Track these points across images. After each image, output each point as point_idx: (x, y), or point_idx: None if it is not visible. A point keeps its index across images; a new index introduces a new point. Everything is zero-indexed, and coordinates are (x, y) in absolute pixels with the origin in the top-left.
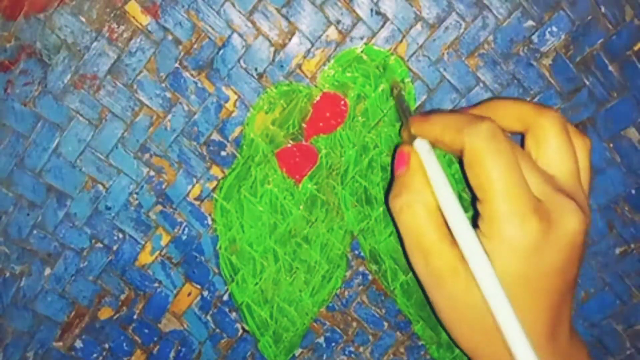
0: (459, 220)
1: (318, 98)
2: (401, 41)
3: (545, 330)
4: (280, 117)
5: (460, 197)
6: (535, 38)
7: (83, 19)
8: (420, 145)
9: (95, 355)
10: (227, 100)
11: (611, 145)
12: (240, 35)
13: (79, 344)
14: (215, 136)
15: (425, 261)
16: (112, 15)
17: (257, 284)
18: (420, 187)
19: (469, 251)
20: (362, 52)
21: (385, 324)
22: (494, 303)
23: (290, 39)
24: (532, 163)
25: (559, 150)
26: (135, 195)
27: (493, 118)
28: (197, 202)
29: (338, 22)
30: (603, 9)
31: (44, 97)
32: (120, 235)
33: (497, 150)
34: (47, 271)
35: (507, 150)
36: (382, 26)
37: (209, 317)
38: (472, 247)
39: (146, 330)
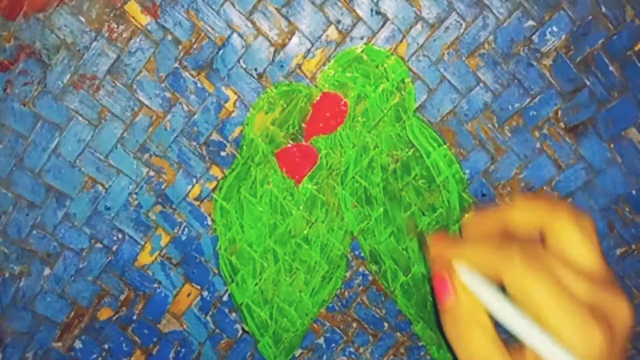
0: (535, 335)
1: (318, 98)
2: (401, 41)
3: None
4: (280, 117)
5: (460, 197)
6: (535, 38)
7: (82, 19)
8: (463, 271)
9: (94, 355)
10: (226, 100)
11: (612, 145)
12: (240, 35)
13: (78, 344)
14: (215, 136)
15: None
16: (111, 15)
17: (257, 284)
18: (474, 312)
19: (545, 349)
20: (362, 52)
21: (386, 324)
22: None
23: (290, 39)
24: (569, 268)
25: (580, 244)
26: (134, 196)
27: (509, 223)
28: (196, 203)
29: (338, 22)
30: (603, 9)
31: (44, 97)
32: (120, 236)
33: (534, 274)
34: (47, 271)
35: (544, 270)
36: (382, 26)
37: (208, 318)
38: (546, 345)
39: (146, 331)
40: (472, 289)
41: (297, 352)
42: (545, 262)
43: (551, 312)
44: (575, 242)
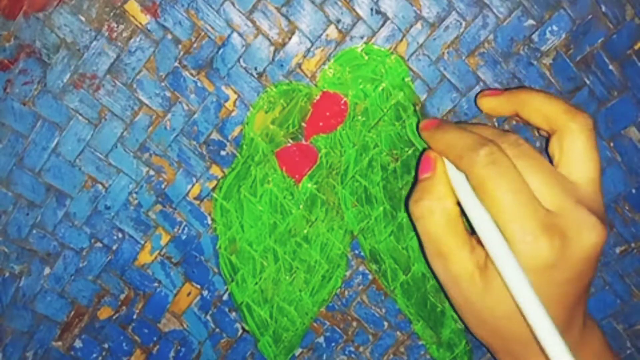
0: (484, 224)
1: (318, 97)
2: (401, 40)
3: (559, 329)
4: (280, 116)
5: None
6: (535, 37)
7: (82, 18)
8: (450, 164)
9: (94, 355)
10: (226, 100)
11: (612, 144)
12: (240, 35)
13: (78, 343)
14: (215, 135)
15: (444, 266)
16: (111, 14)
17: (257, 283)
18: (443, 194)
19: (497, 254)
20: (362, 51)
21: (385, 323)
22: (522, 298)
23: (290, 38)
24: (550, 173)
25: (583, 157)
26: (134, 195)
27: (520, 111)
28: (196, 202)
29: (338, 21)
30: (603, 8)
31: (44, 96)
32: (120, 235)
33: (498, 176)
34: (47, 271)
35: (509, 173)
36: (382, 25)
37: (208, 317)
38: (500, 250)
39: (146, 330)
40: (450, 175)
41: (297, 351)
42: (522, 161)
43: (505, 216)
44: (576, 151)
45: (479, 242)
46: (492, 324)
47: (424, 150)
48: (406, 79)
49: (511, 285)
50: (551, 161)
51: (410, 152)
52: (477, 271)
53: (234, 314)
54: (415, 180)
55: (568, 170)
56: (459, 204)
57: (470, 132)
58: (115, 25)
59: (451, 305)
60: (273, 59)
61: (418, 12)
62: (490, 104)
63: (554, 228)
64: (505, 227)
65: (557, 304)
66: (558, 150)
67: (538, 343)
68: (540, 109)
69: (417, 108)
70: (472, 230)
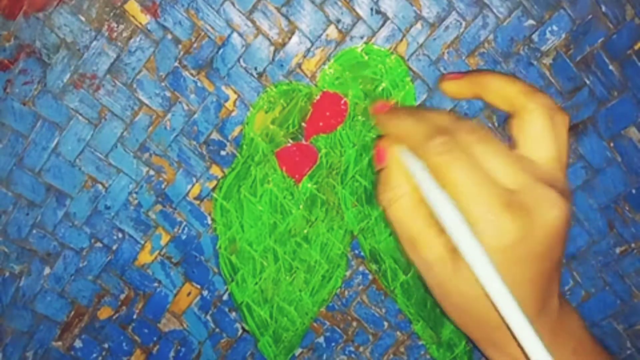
0: (444, 207)
1: (318, 97)
2: (401, 40)
3: (532, 312)
4: (280, 116)
5: None
6: (535, 37)
7: (82, 18)
8: (402, 150)
9: (94, 355)
10: (226, 100)
11: (612, 144)
12: (240, 35)
13: (78, 343)
14: (215, 135)
15: (415, 251)
16: (111, 14)
17: (257, 283)
18: (401, 181)
19: (458, 236)
20: (362, 51)
21: (386, 323)
22: (487, 282)
23: (290, 38)
24: (507, 153)
25: (542, 136)
26: (134, 195)
27: (481, 93)
28: (196, 202)
29: (338, 21)
30: (603, 8)
31: (44, 96)
32: (120, 235)
33: (454, 162)
34: (47, 271)
35: (465, 158)
36: (382, 25)
37: (208, 317)
38: (460, 232)
39: (146, 330)
40: (406, 167)
41: (297, 351)
42: (478, 146)
43: (463, 196)
44: (535, 130)
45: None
46: (465, 308)
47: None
48: (406, 79)
49: (474, 267)
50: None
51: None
52: (447, 254)
53: (234, 314)
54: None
55: (528, 150)
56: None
57: (424, 121)
58: (116, 25)
59: (430, 293)
60: (273, 59)
61: (418, 12)
62: (452, 88)
63: (515, 205)
64: (467, 209)
65: (528, 283)
66: (517, 130)
67: (507, 327)
68: (500, 90)
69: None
70: None
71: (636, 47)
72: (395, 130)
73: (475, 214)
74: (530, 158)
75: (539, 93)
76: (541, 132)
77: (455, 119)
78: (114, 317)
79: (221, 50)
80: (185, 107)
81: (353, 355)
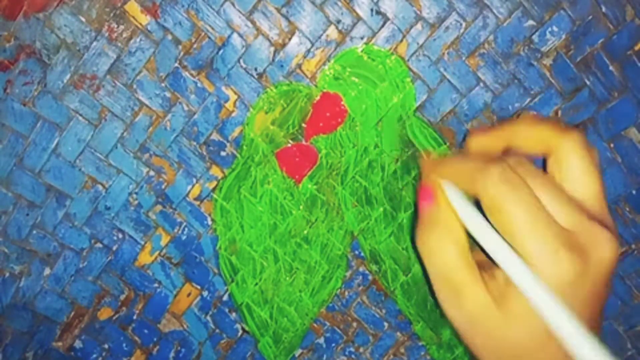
0: (506, 255)
1: (318, 98)
2: (401, 41)
3: None
4: (280, 117)
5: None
6: (535, 38)
7: (82, 19)
8: (447, 187)
9: (94, 355)
10: (227, 100)
11: (612, 145)
12: (240, 35)
13: (78, 344)
14: (215, 136)
15: (459, 303)
16: (111, 14)
17: (257, 284)
18: (450, 225)
19: (520, 276)
20: (362, 51)
21: (386, 324)
22: (555, 317)
23: (290, 39)
24: (559, 191)
25: (583, 173)
26: (134, 195)
27: (512, 142)
28: (196, 202)
29: (338, 21)
30: (604, 9)
31: (44, 96)
32: (120, 236)
33: (512, 193)
34: (47, 271)
35: (523, 190)
36: (383, 26)
37: (208, 318)
38: (523, 271)
39: (146, 331)
40: (453, 205)
41: (297, 352)
42: (529, 180)
43: (523, 233)
44: (575, 168)
45: (487, 274)
46: (517, 355)
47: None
48: (406, 80)
49: (539, 306)
50: None
51: (410, 152)
52: (494, 303)
53: (234, 314)
54: (416, 213)
55: (571, 188)
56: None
57: (472, 158)
58: (116, 26)
59: (472, 355)
60: (273, 60)
61: (418, 12)
62: (480, 143)
63: (575, 244)
64: (524, 245)
65: (585, 323)
66: (557, 170)
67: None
68: (531, 135)
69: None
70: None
71: (636, 48)
72: (448, 170)
73: (534, 251)
74: (575, 196)
75: (571, 130)
76: (582, 169)
77: (501, 156)
78: (114, 318)
79: (221, 51)
80: (186, 108)
81: (353, 356)
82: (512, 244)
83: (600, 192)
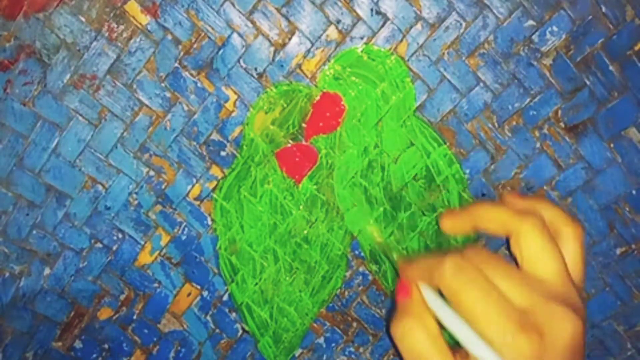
0: (469, 338)
1: (318, 98)
2: (401, 41)
3: None
4: (280, 117)
5: (460, 197)
6: (535, 38)
7: (82, 19)
8: (424, 287)
9: (94, 355)
10: (227, 100)
11: (612, 145)
12: (240, 35)
13: (78, 344)
14: (215, 136)
15: None
16: (111, 14)
17: (257, 284)
18: (421, 313)
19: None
20: (362, 51)
21: (386, 324)
22: None
23: (290, 39)
24: (515, 274)
25: (541, 253)
26: (134, 195)
27: (479, 224)
28: (196, 202)
29: (338, 21)
30: (604, 9)
31: (44, 96)
32: (120, 236)
33: (465, 284)
34: (47, 271)
35: (475, 279)
36: (383, 26)
37: (208, 318)
38: (488, 356)
39: (146, 331)
40: (425, 298)
41: (297, 352)
42: (485, 267)
43: (479, 320)
44: (533, 249)
45: (462, 357)
46: None
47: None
48: (406, 80)
49: None
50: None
51: (410, 152)
52: None
53: (234, 314)
54: (394, 305)
55: (532, 268)
56: (439, 322)
57: (437, 256)
58: (116, 26)
59: None
60: (273, 60)
61: (418, 12)
62: (451, 225)
63: (529, 325)
64: (485, 333)
65: None
66: (518, 251)
67: None
68: (493, 218)
69: (382, 249)
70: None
71: (636, 48)
72: (411, 272)
73: (492, 337)
74: (536, 276)
75: (528, 214)
76: (540, 251)
77: (463, 248)
78: (114, 318)
79: (221, 51)
80: (185, 108)
81: (353, 356)
82: (474, 330)
83: (561, 271)
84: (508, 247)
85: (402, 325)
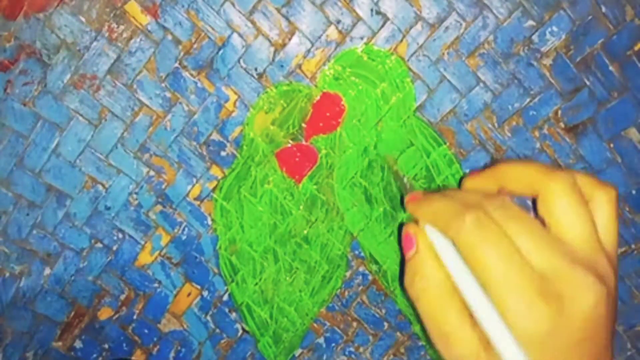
0: (482, 308)
1: (318, 98)
2: (401, 41)
3: None
4: (280, 117)
5: None
6: (535, 38)
7: (83, 19)
8: (430, 230)
9: (94, 355)
10: (227, 100)
11: (612, 145)
12: (240, 35)
13: (78, 344)
14: (215, 136)
15: (448, 346)
16: (111, 15)
17: (257, 284)
18: (433, 270)
19: (496, 338)
20: (362, 52)
21: (386, 324)
22: None
23: (290, 39)
24: (541, 234)
25: (570, 214)
26: (135, 195)
27: (503, 183)
28: (197, 202)
29: (338, 22)
30: (603, 9)
31: (44, 97)
32: (120, 235)
33: (486, 242)
34: (47, 271)
35: (497, 238)
36: (382, 26)
37: (208, 318)
38: (498, 332)
39: (146, 331)
40: (436, 249)
41: (297, 352)
42: (509, 224)
43: (496, 284)
44: (562, 210)
45: None
46: None
47: (402, 224)
48: (406, 80)
49: (505, 358)
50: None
51: (410, 152)
52: (482, 349)
53: (234, 314)
54: (402, 259)
55: (560, 230)
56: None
57: (454, 199)
58: (116, 26)
59: None
60: (273, 60)
61: (418, 12)
62: (474, 184)
63: (549, 292)
64: (498, 297)
65: None
66: (546, 212)
67: None
68: (520, 177)
69: (393, 168)
70: None
71: (636, 48)
72: (427, 213)
73: (507, 302)
74: (563, 239)
75: (559, 172)
76: (570, 211)
77: (485, 196)
78: (114, 318)
79: (221, 51)
80: (186, 108)
81: (353, 356)
82: (487, 291)
83: (591, 235)
84: (535, 214)
85: (414, 286)
